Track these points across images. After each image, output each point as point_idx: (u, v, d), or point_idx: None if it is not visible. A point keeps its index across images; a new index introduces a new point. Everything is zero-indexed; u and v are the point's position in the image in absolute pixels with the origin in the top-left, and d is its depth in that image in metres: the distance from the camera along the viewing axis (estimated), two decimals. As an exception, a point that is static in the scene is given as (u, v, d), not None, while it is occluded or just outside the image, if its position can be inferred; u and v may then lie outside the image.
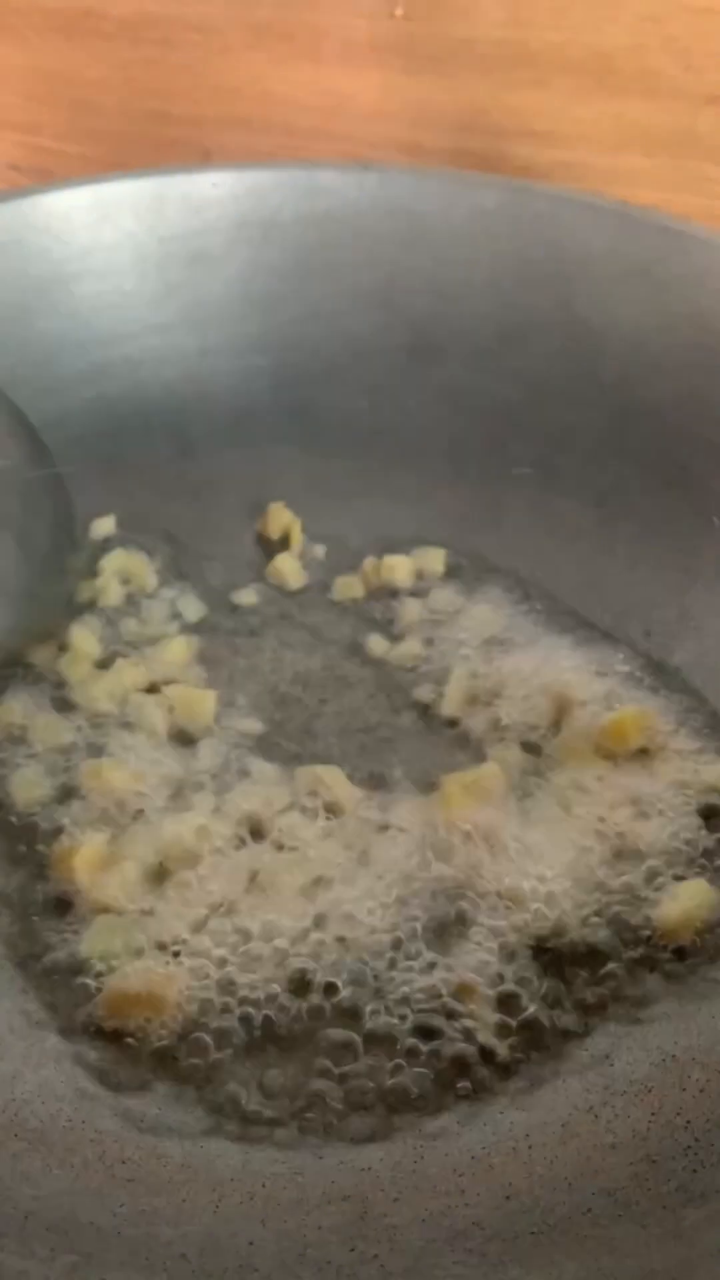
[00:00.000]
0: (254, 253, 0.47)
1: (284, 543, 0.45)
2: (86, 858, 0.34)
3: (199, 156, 0.58)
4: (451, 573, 0.45)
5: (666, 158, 0.54)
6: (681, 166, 0.54)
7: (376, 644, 0.42)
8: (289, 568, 0.44)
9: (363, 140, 0.57)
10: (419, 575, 0.44)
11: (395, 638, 0.43)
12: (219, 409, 0.47)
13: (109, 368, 0.46)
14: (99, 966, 0.32)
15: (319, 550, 0.45)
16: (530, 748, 0.39)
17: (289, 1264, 0.26)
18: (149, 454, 0.46)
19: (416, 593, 0.44)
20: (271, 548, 0.45)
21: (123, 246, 0.46)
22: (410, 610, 0.43)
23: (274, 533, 0.45)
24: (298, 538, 0.45)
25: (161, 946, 0.33)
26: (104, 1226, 0.27)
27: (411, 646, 0.42)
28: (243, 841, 0.35)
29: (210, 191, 0.46)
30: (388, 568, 0.44)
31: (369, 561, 0.44)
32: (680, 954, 0.33)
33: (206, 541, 0.45)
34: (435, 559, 0.44)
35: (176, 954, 0.32)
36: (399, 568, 0.44)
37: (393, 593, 0.44)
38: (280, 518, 0.45)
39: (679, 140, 0.54)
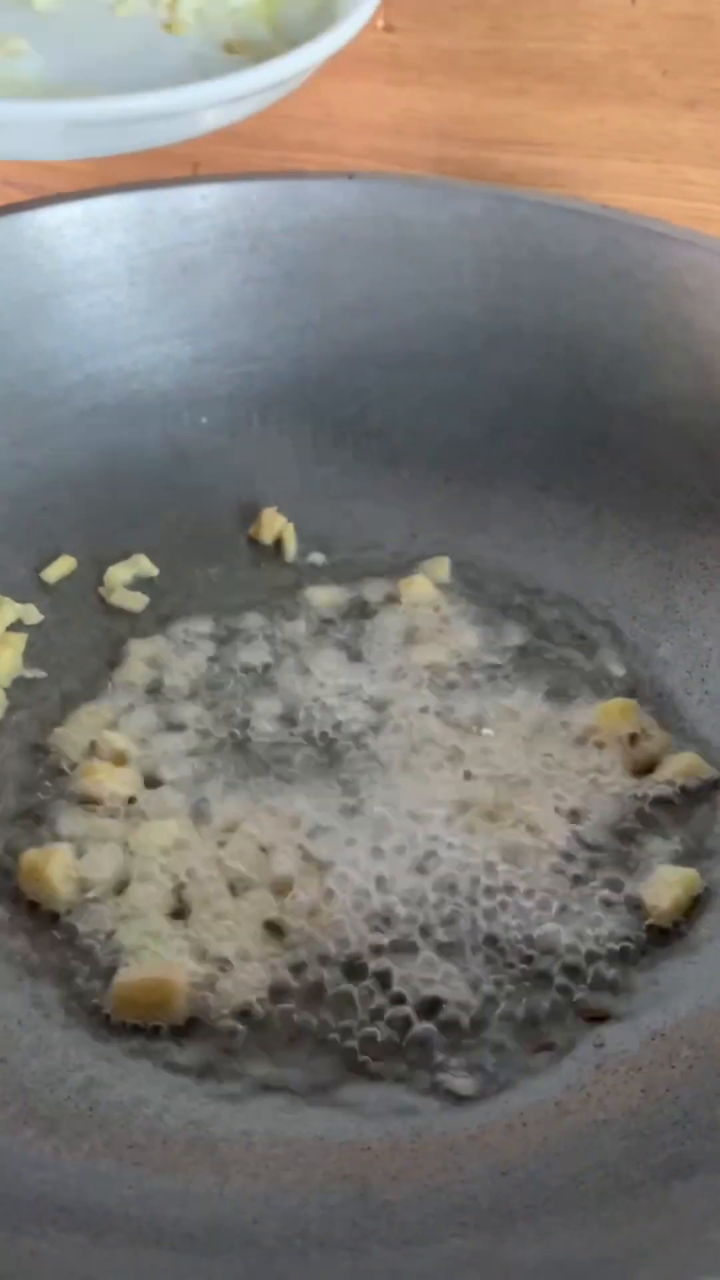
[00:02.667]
0: (243, 263, 0.48)
1: (277, 547, 0.46)
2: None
3: (188, 169, 0.59)
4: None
5: (649, 162, 0.55)
6: (664, 170, 0.55)
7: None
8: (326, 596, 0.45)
9: (349, 151, 0.58)
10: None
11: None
12: (212, 416, 0.48)
13: (104, 378, 0.47)
14: (108, 957, 0.33)
15: (316, 557, 0.46)
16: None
17: (291, 1240, 0.27)
18: (144, 461, 0.47)
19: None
20: (264, 552, 0.46)
21: (114, 259, 0.47)
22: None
23: (267, 537, 0.46)
24: (291, 542, 0.46)
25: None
26: (112, 1208, 0.27)
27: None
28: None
29: (199, 204, 0.47)
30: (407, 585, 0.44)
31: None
32: (667, 935, 0.34)
33: (201, 546, 0.46)
34: (440, 568, 0.45)
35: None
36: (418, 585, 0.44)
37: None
38: (273, 522, 0.46)
39: (660, 145, 0.54)
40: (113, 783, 0.38)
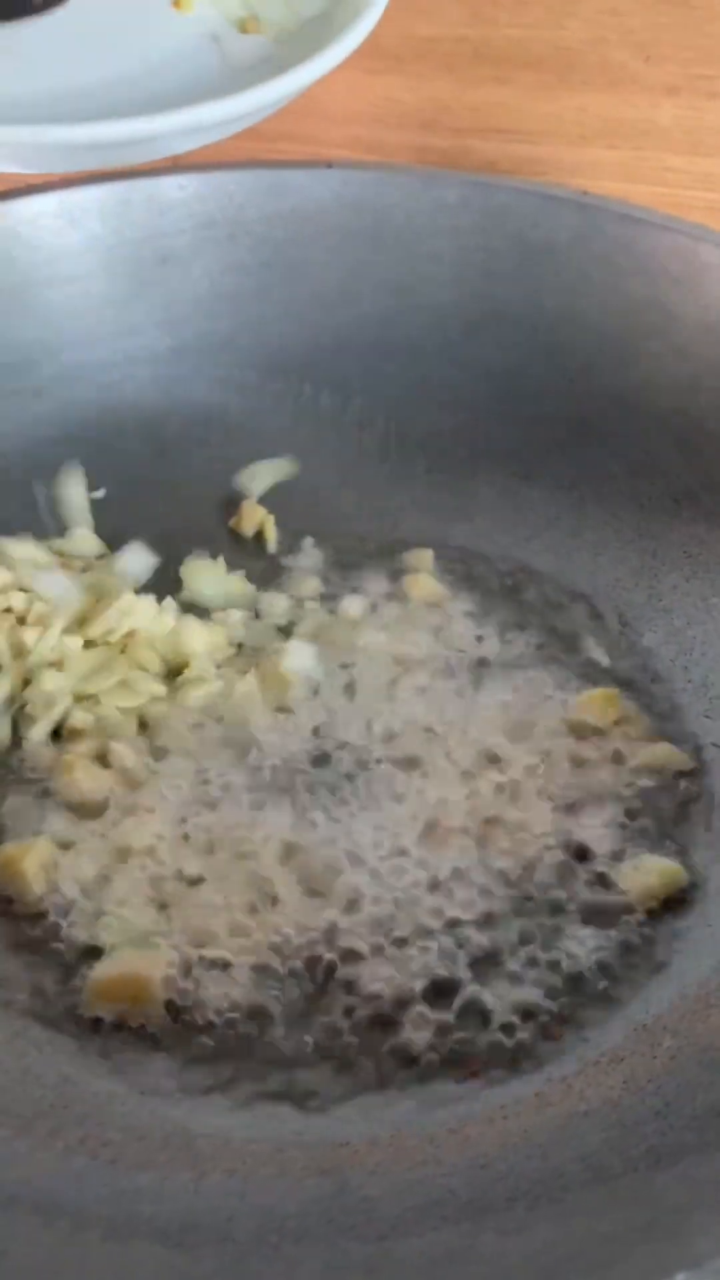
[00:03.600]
0: (221, 253, 0.47)
1: (258, 539, 0.46)
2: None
3: (167, 160, 0.58)
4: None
5: (629, 150, 0.55)
6: (644, 158, 0.55)
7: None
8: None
9: (329, 141, 0.57)
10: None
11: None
12: (191, 408, 0.48)
13: (82, 370, 0.47)
14: (85, 953, 0.33)
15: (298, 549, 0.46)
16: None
17: (267, 1236, 0.26)
18: (124, 454, 0.47)
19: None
20: (245, 544, 0.46)
21: (91, 250, 0.46)
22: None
23: (247, 529, 0.46)
24: (272, 533, 0.46)
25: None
26: (87, 1206, 0.27)
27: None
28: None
29: (176, 193, 0.47)
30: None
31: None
32: (649, 926, 0.34)
33: (181, 539, 0.45)
34: (424, 559, 0.45)
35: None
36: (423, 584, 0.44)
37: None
38: (254, 514, 0.46)
39: (641, 131, 0.54)
40: (94, 781, 0.37)
